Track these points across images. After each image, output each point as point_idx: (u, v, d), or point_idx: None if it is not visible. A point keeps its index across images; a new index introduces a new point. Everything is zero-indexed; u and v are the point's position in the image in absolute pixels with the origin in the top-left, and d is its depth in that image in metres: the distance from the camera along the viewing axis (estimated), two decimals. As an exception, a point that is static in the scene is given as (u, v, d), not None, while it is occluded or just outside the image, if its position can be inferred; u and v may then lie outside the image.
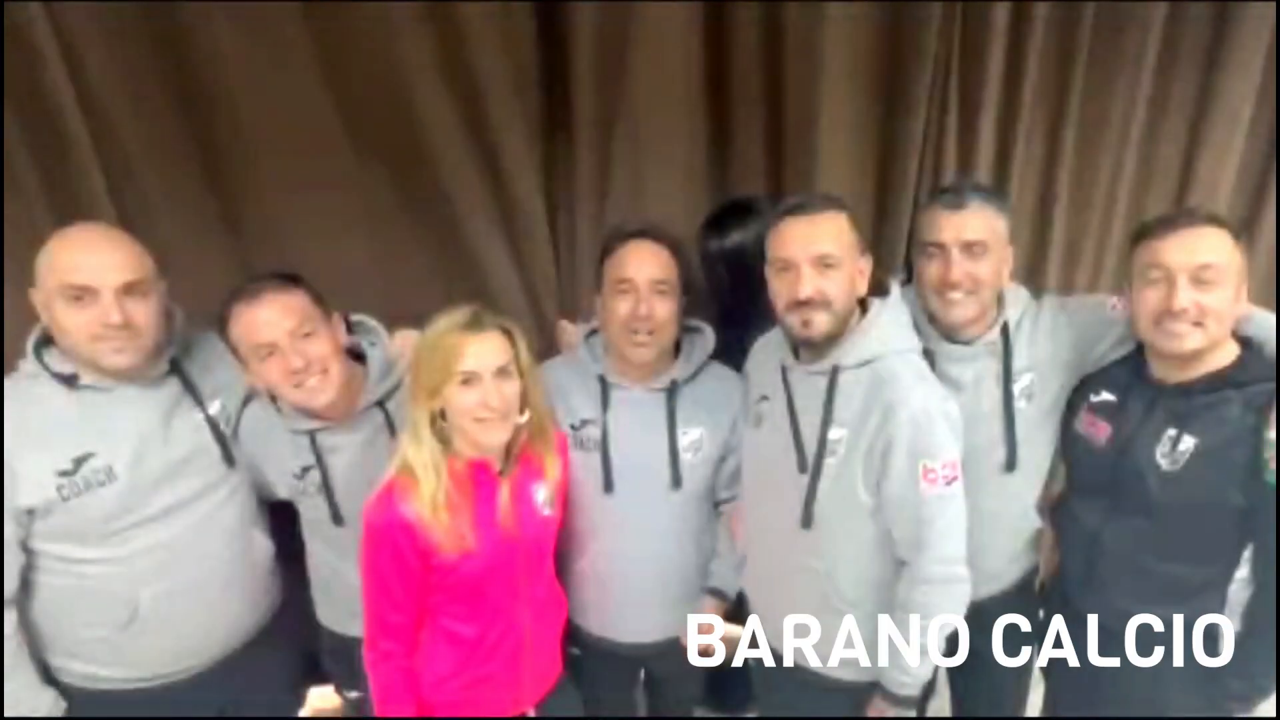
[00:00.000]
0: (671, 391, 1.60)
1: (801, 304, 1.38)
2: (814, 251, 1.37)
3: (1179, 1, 1.95)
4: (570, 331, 1.99)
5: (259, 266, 1.82)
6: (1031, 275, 2.14)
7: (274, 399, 1.52)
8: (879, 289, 1.48)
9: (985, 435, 1.51)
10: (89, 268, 1.34)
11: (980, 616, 1.52)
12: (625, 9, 1.77)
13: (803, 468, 1.44)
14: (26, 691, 1.43)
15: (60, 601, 1.44)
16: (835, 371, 1.41)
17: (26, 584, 1.42)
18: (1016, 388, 1.51)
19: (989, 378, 1.52)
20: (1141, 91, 2.01)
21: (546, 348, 2.04)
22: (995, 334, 1.51)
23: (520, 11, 1.74)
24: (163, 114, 1.71)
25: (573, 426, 1.61)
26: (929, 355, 1.49)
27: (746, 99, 1.91)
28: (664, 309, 1.51)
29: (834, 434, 1.41)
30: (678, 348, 1.64)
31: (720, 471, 1.67)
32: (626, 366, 1.59)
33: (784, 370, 1.50)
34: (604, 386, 1.60)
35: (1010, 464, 1.53)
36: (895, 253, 2.02)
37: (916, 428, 1.34)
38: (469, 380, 1.31)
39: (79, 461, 1.37)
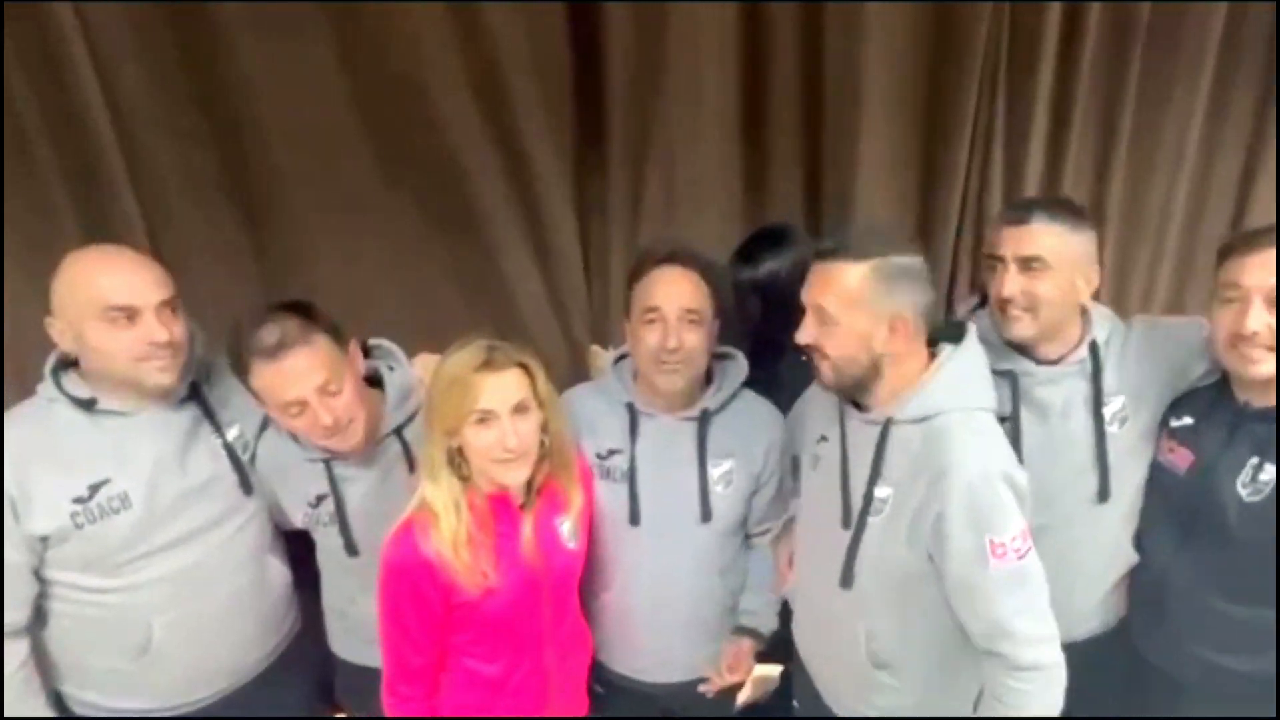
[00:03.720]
0: (702, 421, 1.53)
1: (811, 348, 1.31)
2: (814, 299, 1.29)
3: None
4: (602, 357, 1.94)
5: (285, 285, 1.81)
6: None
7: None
8: (955, 332, 1.35)
9: (1074, 463, 1.43)
10: (130, 287, 1.32)
11: (1070, 659, 1.33)
12: (660, 27, 1.72)
13: (846, 523, 1.33)
14: None
15: (73, 630, 1.41)
16: (888, 425, 1.29)
17: (39, 612, 1.39)
18: (1108, 411, 1.43)
19: (1078, 401, 1.44)
20: (1197, 109, 1.93)
21: (576, 369, 1.99)
22: (1083, 353, 1.44)
23: (553, 30, 1.71)
24: (193, 137, 1.70)
25: (599, 455, 1.55)
26: (1012, 377, 1.42)
27: (784, 118, 1.85)
28: (694, 338, 1.45)
29: (881, 491, 1.29)
30: (710, 375, 1.58)
31: (752, 504, 1.60)
32: (656, 395, 1.53)
33: (842, 415, 1.39)
34: (632, 415, 1.54)
35: (1103, 493, 1.43)
36: (937, 281, 1.92)
37: (974, 497, 1.20)
38: (485, 419, 1.26)
39: (95, 488, 1.34)
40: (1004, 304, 1.40)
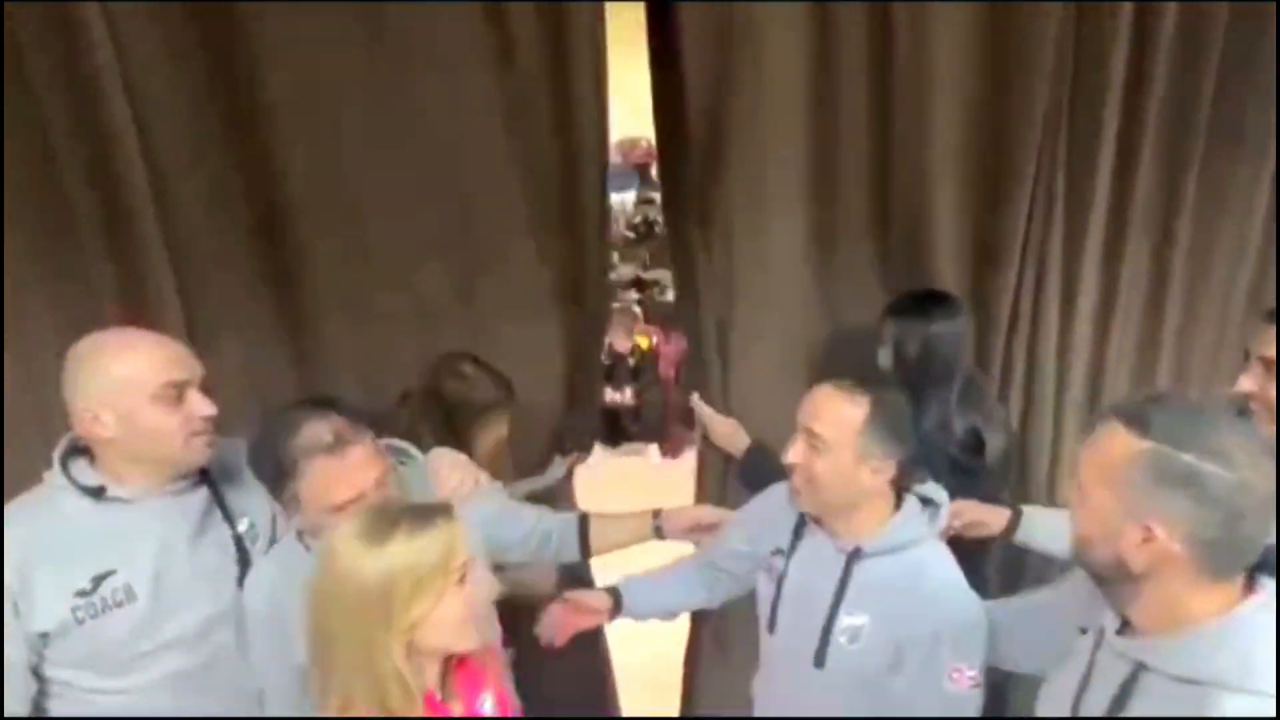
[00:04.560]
0: (851, 559, 1.37)
1: None
2: (1081, 455, 0.98)
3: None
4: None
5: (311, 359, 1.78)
6: (1139, 377, 2.04)
7: (299, 535, 1.33)
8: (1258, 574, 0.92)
9: None
10: (179, 362, 1.28)
11: None
12: (726, 97, 1.70)
13: None
14: None
15: None
16: (1134, 677, 0.91)
17: (38, 711, 1.29)
18: None
19: None
20: (1261, 190, 1.92)
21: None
22: None
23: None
24: (238, 228, 1.69)
25: (770, 551, 1.50)
26: None
27: (854, 190, 1.84)
28: (816, 465, 1.32)
29: None
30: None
31: (893, 682, 1.35)
32: None
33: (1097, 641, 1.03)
34: (800, 523, 1.46)
35: None
36: (992, 359, 1.91)
37: None
38: (466, 576, 1.04)
39: (98, 580, 1.25)
40: (1246, 398, 1.34)
